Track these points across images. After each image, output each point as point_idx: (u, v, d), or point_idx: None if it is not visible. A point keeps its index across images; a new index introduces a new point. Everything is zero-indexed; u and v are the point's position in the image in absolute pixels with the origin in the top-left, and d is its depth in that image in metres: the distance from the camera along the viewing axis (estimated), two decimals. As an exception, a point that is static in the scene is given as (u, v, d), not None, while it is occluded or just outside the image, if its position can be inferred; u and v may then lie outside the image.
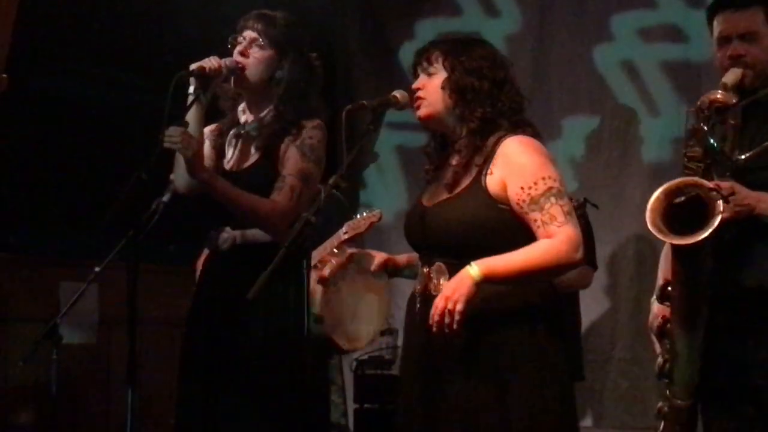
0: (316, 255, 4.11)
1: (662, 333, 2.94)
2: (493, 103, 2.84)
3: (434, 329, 2.67)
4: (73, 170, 4.93)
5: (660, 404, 2.96)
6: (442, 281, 2.80)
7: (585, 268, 4.36)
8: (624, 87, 5.50)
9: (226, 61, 3.29)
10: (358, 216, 4.02)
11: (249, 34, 3.34)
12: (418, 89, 2.92)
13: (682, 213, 2.73)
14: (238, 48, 3.34)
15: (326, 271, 2.89)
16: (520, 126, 2.85)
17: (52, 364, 3.89)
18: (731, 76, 2.90)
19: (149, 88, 3.29)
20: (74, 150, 4.98)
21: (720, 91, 2.81)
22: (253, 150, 3.35)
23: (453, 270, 2.76)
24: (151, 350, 4.67)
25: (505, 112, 2.85)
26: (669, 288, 2.89)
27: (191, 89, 3.26)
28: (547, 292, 2.84)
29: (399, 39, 6.29)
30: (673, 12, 5.33)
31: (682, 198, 2.71)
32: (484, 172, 2.81)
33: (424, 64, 2.93)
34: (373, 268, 3.00)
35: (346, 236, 4.04)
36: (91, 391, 4.78)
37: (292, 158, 3.27)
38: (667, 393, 2.93)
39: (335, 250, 2.93)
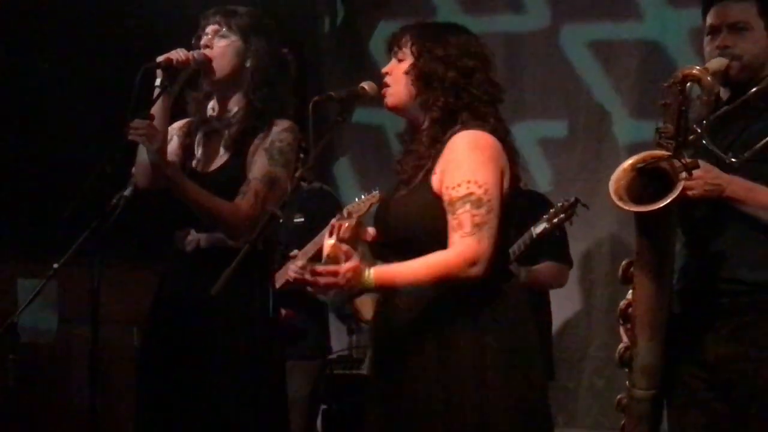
0: (312, 243, 4.12)
1: (624, 317, 2.90)
2: (458, 93, 2.73)
3: (308, 281, 2.64)
4: (30, 162, 4.88)
5: (620, 396, 2.94)
6: None
7: (560, 265, 4.39)
8: (598, 81, 5.47)
9: (194, 54, 3.25)
10: (357, 200, 4.02)
11: (211, 27, 3.31)
12: (386, 74, 2.84)
13: (649, 190, 2.72)
14: (203, 42, 3.30)
15: (345, 233, 2.79)
16: (480, 118, 2.74)
17: (10, 363, 3.83)
18: (715, 63, 2.88)
19: (114, 79, 3.23)
20: (32, 142, 4.93)
21: (696, 66, 2.78)
22: (222, 150, 3.32)
23: None
24: (112, 349, 4.61)
25: (468, 104, 2.74)
26: (632, 268, 2.86)
27: (158, 81, 3.21)
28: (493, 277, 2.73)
29: (369, 33, 6.22)
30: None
31: (644, 165, 2.71)
32: (433, 168, 2.73)
33: (395, 47, 2.84)
34: (366, 236, 2.86)
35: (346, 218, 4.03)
36: (50, 391, 4.73)
37: (259, 161, 3.24)
38: (627, 383, 2.91)
39: (342, 216, 2.90)
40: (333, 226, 2.79)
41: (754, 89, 2.82)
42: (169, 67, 3.19)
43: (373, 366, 2.95)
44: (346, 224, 2.79)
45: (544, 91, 5.61)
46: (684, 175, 2.66)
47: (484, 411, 2.65)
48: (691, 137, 2.74)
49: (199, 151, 3.37)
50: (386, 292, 2.79)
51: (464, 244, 2.62)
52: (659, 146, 2.77)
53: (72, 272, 3.50)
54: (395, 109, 2.85)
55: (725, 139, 2.86)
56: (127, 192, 3.55)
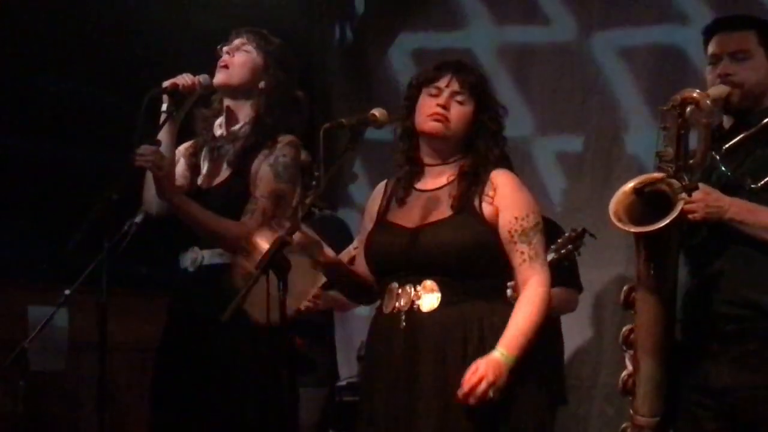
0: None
1: (627, 343, 2.94)
2: (498, 144, 3.03)
3: (462, 399, 2.78)
4: (42, 190, 4.86)
5: (624, 425, 2.97)
6: (430, 299, 2.89)
7: (570, 291, 4.38)
8: (608, 106, 5.48)
9: (200, 78, 3.27)
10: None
11: (239, 40, 3.36)
12: (443, 107, 2.99)
13: (650, 214, 2.76)
14: (225, 48, 3.35)
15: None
16: (509, 168, 3.06)
17: (20, 390, 3.83)
18: (716, 90, 2.92)
19: (123, 106, 3.25)
20: (43, 169, 4.91)
21: (697, 90, 2.81)
22: (225, 166, 3.33)
23: (445, 288, 2.89)
24: (121, 375, 4.62)
25: (503, 155, 3.05)
26: (633, 293, 2.90)
27: (164, 107, 3.23)
28: None
29: (378, 56, 6.25)
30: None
31: (644, 186, 2.77)
32: (478, 198, 2.96)
33: (458, 85, 3.01)
34: (322, 259, 3.02)
35: (356, 251, 4.01)
36: (59, 418, 4.71)
37: (264, 178, 3.25)
38: (630, 411, 2.94)
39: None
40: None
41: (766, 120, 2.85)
42: (175, 92, 3.22)
43: (384, 375, 2.97)
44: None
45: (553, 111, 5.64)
46: (683, 195, 2.70)
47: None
48: (691, 161, 2.78)
49: (204, 167, 3.38)
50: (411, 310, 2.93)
51: (546, 273, 2.94)
52: (659, 170, 2.82)
53: (83, 299, 3.51)
54: (440, 137, 3.01)
55: (730, 165, 2.89)
56: (138, 219, 3.58)
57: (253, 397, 3.17)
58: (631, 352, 2.92)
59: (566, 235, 4.05)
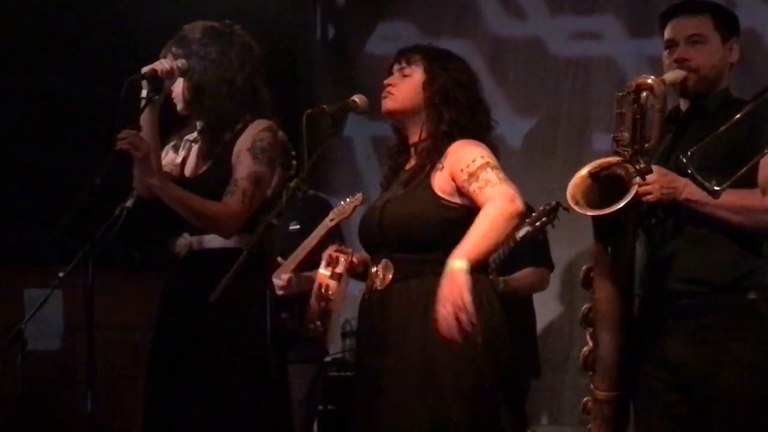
0: (301, 248, 4.21)
1: (586, 320, 2.95)
2: (471, 116, 2.99)
3: (450, 335, 2.73)
4: (36, 173, 4.92)
5: (585, 399, 2.98)
6: (389, 276, 2.92)
7: (540, 270, 4.45)
8: (580, 90, 5.59)
9: (178, 63, 3.30)
10: (341, 203, 4.09)
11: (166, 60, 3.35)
12: (389, 84, 3.04)
13: (607, 197, 2.77)
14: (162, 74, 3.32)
15: (340, 268, 2.97)
16: (482, 141, 2.99)
17: (18, 369, 3.89)
18: (672, 75, 2.91)
19: (110, 92, 3.30)
20: (37, 153, 4.97)
21: (651, 77, 2.82)
22: (205, 156, 3.36)
23: (395, 264, 2.92)
24: (116, 355, 4.67)
25: (479, 129, 3.00)
26: (591, 273, 2.92)
27: (144, 92, 3.26)
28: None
29: (359, 45, 6.33)
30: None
31: (600, 170, 2.77)
32: (433, 170, 2.94)
33: (403, 63, 3.05)
34: (354, 265, 3.12)
35: (332, 223, 4.12)
36: (56, 397, 4.77)
37: (244, 162, 3.26)
38: (591, 386, 2.95)
39: (340, 247, 3.02)
40: (330, 257, 2.97)
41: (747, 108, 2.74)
42: (154, 77, 3.23)
43: (360, 366, 3.06)
44: (343, 258, 2.97)
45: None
46: (638, 179, 2.69)
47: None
48: (647, 145, 2.79)
49: (188, 160, 3.42)
50: (371, 289, 2.95)
51: (500, 189, 2.85)
52: (616, 154, 2.82)
53: (76, 282, 3.59)
54: (392, 113, 3.05)
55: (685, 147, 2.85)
56: (129, 203, 3.60)
57: (244, 376, 3.19)
58: (591, 329, 2.92)
59: (540, 208, 4.10)
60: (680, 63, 2.95)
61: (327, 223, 4.09)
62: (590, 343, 2.94)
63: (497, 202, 2.82)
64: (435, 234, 2.90)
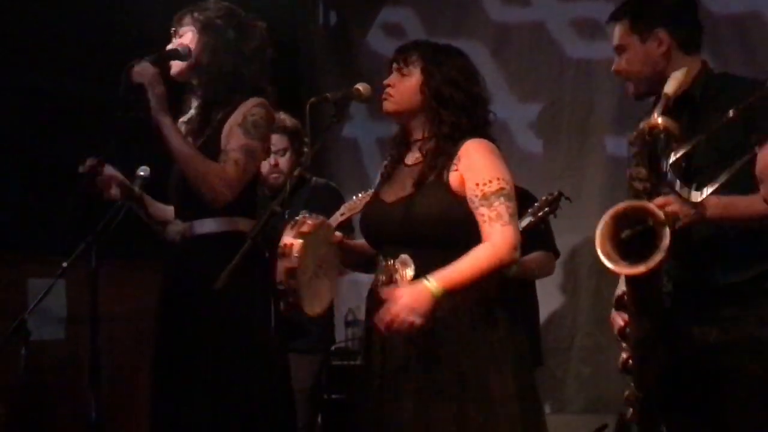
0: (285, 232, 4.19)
1: (622, 336, 2.98)
2: (469, 114, 3.02)
3: (384, 331, 2.82)
4: (39, 163, 4.92)
5: (627, 392, 3.02)
6: (407, 272, 2.96)
7: (548, 255, 4.46)
8: (583, 77, 5.58)
9: (180, 49, 3.34)
10: (354, 198, 4.08)
11: (183, 21, 3.39)
12: (389, 85, 3.06)
13: (631, 232, 2.76)
14: (176, 37, 3.38)
15: (306, 228, 2.96)
16: (485, 138, 3.03)
17: (21, 359, 3.90)
18: (670, 86, 2.86)
19: (108, 82, 3.31)
20: (39, 143, 4.96)
21: (660, 117, 2.77)
22: (196, 134, 3.37)
23: (417, 260, 2.95)
24: (119, 344, 4.68)
25: (477, 127, 3.02)
26: (625, 297, 2.92)
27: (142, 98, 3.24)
28: (502, 282, 3.01)
29: (362, 32, 6.32)
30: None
31: (629, 232, 2.73)
32: (447, 170, 2.98)
33: (401, 63, 3.07)
34: (334, 239, 3.13)
35: (342, 218, 4.11)
36: (59, 386, 4.78)
37: (235, 135, 3.26)
38: (631, 384, 3.00)
39: (307, 214, 3.02)
40: (296, 221, 2.97)
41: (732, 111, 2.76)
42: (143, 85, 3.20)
43: (370, 357, 3.06)
44: (310, 221, 2.96)
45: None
46: (668, 233, 2.65)
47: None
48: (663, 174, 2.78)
49: None
50: (390, 284, 2.98)
51: (506, 232, 2.90)
52: (632, 189, 2.81)
53: (79, 271, 3.59)
54: (393, 114, 3.08)
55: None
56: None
57: (246, 365, 3.20)
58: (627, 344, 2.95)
59: (543, 198, 4.11)
60: (617, 75, 3.03)
61: (337, 217, 4.09)
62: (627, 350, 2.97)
63: (497, 248, 2.88)
64: (457, 231, 2.94)
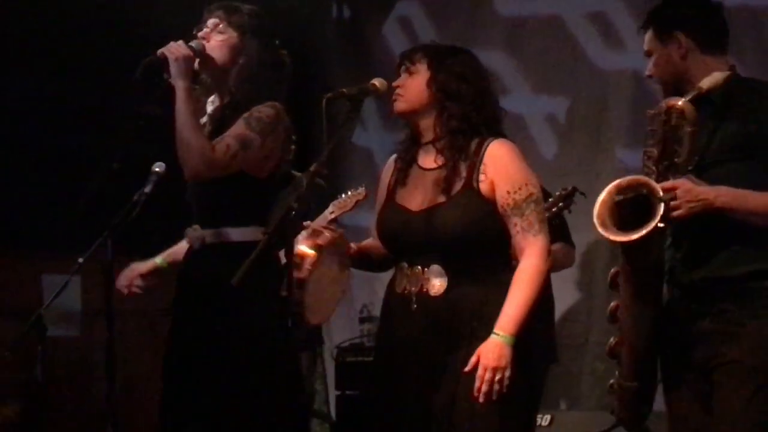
0: (300, 238, 4.16)
1: (612, 318, 3.04)
2: (478, 108, 3.01)
3: (482, 399, 2.86)
4: (54, 160, 4.94)
5: (612, 381, 3.09)
6: (438, 283, 2.97)
7: (568, 246, 4.47)
8: (596, 73, 5.56)
9: (193, 44, 3.31)
10: (343, 195, 4.04)
11: (212, 21, 3.36)
12: (398, 86, 3.06)
13: (634, 209, 2.84)
14: (200, 34, 3.35)
15: (322, 240, 2.96)
16: (500, 135, 3.04)
17: (38, 355, 3.92)
18: (707, 81, 2.98)
19: (124, 78, 3.31)
20: (56, 140, 5.00)
21: (681, 99, 2.90)
22: (210, 134, 3.33)
23: (448, 270, 2.97)
24: (133, 340, 4.70)
25: (487, 121, 3.03)
26: (618, 277, 3.00)
27: (166, 75, 3.25)
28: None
29: (376, 27, 6.31)
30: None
31: (622, 197, 2.83)
32: (475, 176, 2.99)
33: (407, 63, 3.08)
34: (350, 252, 3.12)
35: (332, 215, 4.08)
36: (75, 381, 4.81)
37: (236, 126, 3.25)
38: (616, 373, 3.06)
39: (328, 223, 3.01)
40: (314, 230, 2.99)
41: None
42: (167, 60, 3.22)
43: (398, 360, 3.05)
44: (327, 234, 2.98)
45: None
46: (662, 207, 2.75)
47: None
48: (677, 160, 2.87)
49: None
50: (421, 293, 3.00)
51: (539, 242, 2.96)
52: (645, 167, 2.92)
53: (94, 267, 3.61)
54: (403, 114, 3.08)
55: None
56: (147, 189, 3.65)
57: (260, 366, 3.18)
58: (618, 326, 3.02)
59: (557, 193, 4.11)
60: (648, 79, 3.15)
61: (326, 216, 4.06)
62: (617, 334, 3.05)
63: (537, 266, 2.94)
64: (490, 240, 2.98)
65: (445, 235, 2.97)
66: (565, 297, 5.14)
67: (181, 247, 3.50)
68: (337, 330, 5.73)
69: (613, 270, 3.04)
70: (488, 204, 2.98)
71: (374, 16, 6.34)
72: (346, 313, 5.57)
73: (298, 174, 4.37)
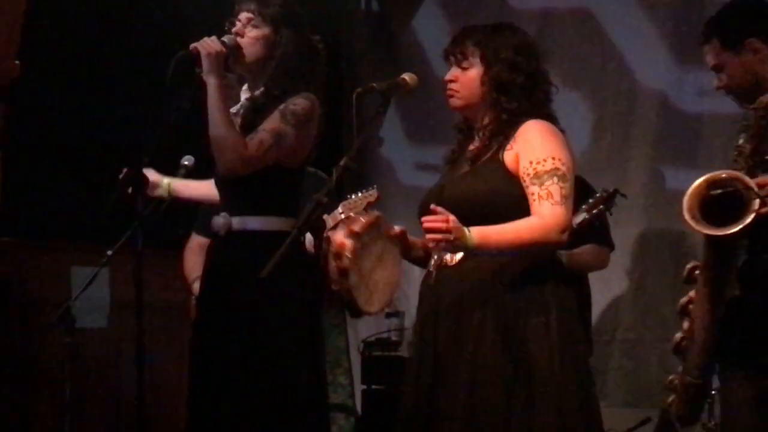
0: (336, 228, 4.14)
1: (683, 312, 3.00)
2: (528, 95, 3.01)
3: (423, 227, 2.79)
4: (83, 152, 4.97)
5: (671, 377, 3.06)
6: (457, 254, 2.93)
7: (601, 248, 4.43)
8: (627, 70, 5.51)
9: (226, 39, 3.32)
10: (353, 196, 3.97)
11: (244, 15, 3.37)
12: (451, 80, 3.06)
13: (721, 203, 2.79)
14: (235, 29, 3.36)
15: (357, 226, 2.94)
16: (544, 117, 3.02)
17: (66, 347, 3.95)
18: None
19: (155, 71, 3.33)
20: (86, 133, 5.02)
21: None
22: (243, 127, 3.36)
23: None
24: (160, 332, 4.72)
25: (537, 105, 3.02)
26: (696, 271, 2.95)
27: (198, 70, 3.28)
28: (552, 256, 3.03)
29: (405, 20, 6.28)
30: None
31: (719, 191, 2.78)
32: (503, 148, 2.97)
33: (458, 56, 3.07)
34: (392, 233, 3.07)
35: (341, 216, 4.03)
36: (103, 373, 4.84)
37: (271, 119, 3.28)
38: (680, 369, 3.03)
39: (364, 210, 2.98)
40: (348, 218, 2.98)
41: None
42: (200, 55, 3.25)
43: (419, 338, 3.05)
44: (363, 219, 2.94)
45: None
46: (757, 203, 2.71)
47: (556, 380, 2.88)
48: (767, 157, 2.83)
49: None
50: (440, 264, 2.97)
51: (556, 212, 2.87)
52: (735, 162, 2.86)
53: (122, 259, 3.62)
54: (461, 110, 3.10)
55: None
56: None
57: (286, 356, 3.22)
58: (686, 320, 2.99)
59: (597, 195, 4.06)
60: (718, 91, 3.14)
61: (337, 216, 4.03)
62: (684, 330, 3.00)
63: (544, 223, 2.86)
64: (507, 209, 2.91)
65: (462, 201, 2.94)
66: (592, 294, 5.10)
67: (195, 187, 3.55)
68: (363, 324, 5.73)
69: (690, 264, 2.98)
70: (511, 176, 2.95)
71: (403, 9, 6.33)
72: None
73: (311, 169, 4.46)
